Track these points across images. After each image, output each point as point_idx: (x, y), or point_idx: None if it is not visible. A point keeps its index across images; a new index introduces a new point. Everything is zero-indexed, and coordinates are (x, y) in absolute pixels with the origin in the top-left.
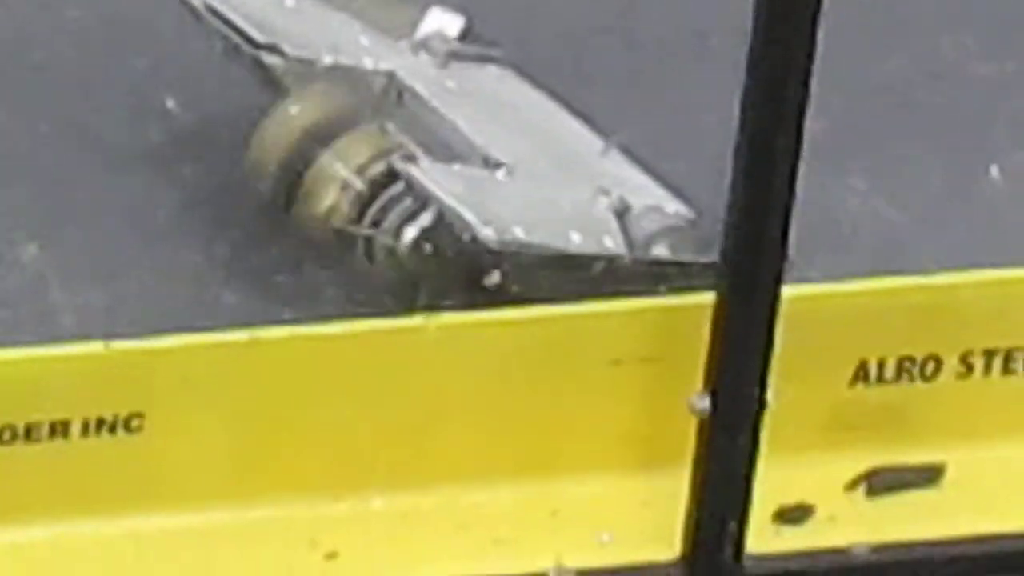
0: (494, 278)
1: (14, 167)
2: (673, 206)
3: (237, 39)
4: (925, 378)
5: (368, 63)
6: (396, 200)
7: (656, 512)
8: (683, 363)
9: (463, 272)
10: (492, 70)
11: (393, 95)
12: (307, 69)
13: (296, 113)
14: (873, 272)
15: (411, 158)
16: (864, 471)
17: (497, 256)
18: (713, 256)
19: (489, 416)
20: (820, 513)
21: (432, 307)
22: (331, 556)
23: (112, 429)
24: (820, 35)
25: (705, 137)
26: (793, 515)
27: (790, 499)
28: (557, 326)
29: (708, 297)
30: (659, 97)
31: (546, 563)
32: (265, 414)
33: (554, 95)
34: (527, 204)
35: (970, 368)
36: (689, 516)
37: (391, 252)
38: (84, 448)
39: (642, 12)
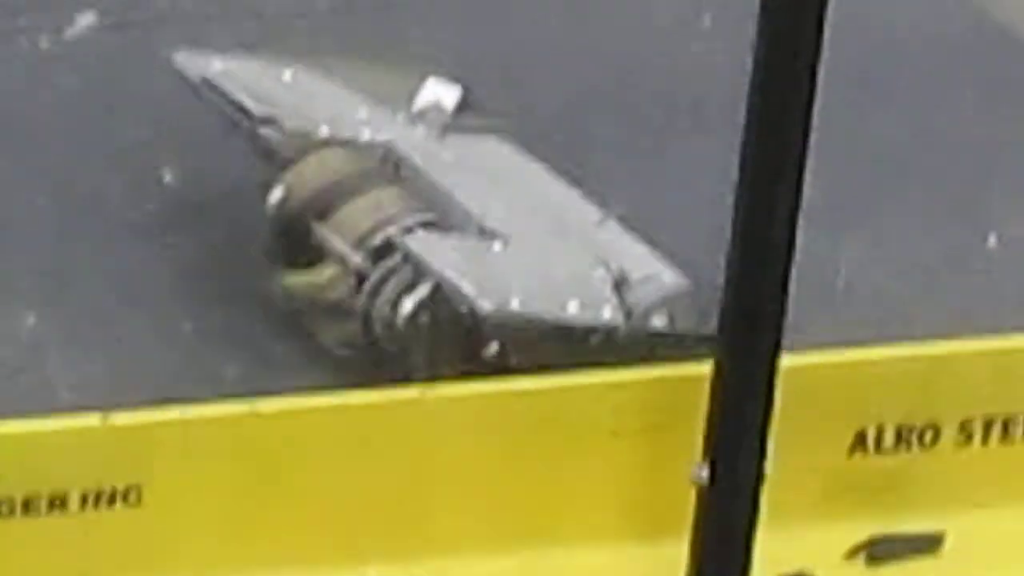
0: (492, 349)
1: (12, 238)
2: (670, 276)
3: (234, 112)
4: (924, 446)
5: (366, 135)
6: (394, 271)
7: None
8: (682, 432)
9: (461, 343)
10: (489, 141)
11: (391, 166)
12: (305, 141)
13: (293, 185)
14: (871, 339)
15: (408, 229)
16: (864, 539)
17: (495, 327)
18: (711, 326)
19: (488, 487)
20: None
21: (430, 378)
22: None
23: (111, 501)
24: (816, 103)
25: (702, 207)
26: None
27: (790, 568)
28: (555, 396)
29: (706, 367)
30: (656, 167)
31: None
32: (263, 485)
33: (551, 165)
34: (524, 275)
35: (969, 436)
36: None
37: (389, 323)
38: (83, 521)
39: (639, 83)
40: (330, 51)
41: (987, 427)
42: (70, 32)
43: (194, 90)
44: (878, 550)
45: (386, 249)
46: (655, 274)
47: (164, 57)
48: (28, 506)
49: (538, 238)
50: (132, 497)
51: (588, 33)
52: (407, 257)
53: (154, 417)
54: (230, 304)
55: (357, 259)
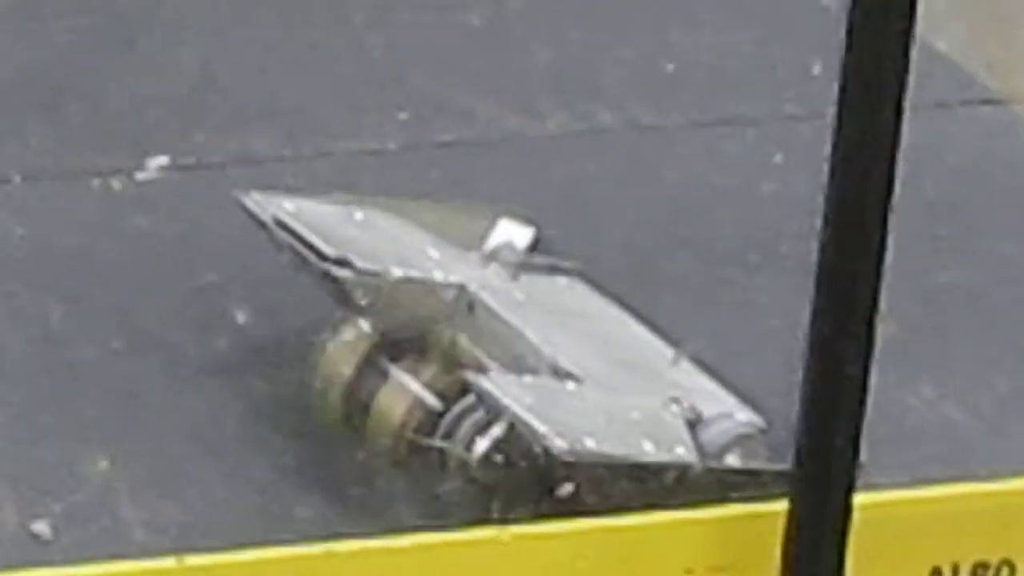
0: (566, 488)
1: (85, 381)
2: (744, 414)
3: (306, 252)
4: None
5: (438, 275)
6: (468, 412)
7: None
8: (756, 571)
9: (536, 483)
10: (561, 281)
11: (463, 307)
12: (377, 282)
13: (366, 326)
14: (944, 477)
15: (482, 370)
16: None
17: (569, 466)
18: (785, 464)
19: None
20: None
21: (505, 518)
22: None
23: None
24: (888, 241)
25: (775, 345)
26: None
27: None
28: (630, 536)
29: (780, 505)
30: (728, 305)
31: None
32: None
33: (623, 304)
34: (598, 414)
35: None
36: None
37: (464, 464)
38: None
39: (710, 221)
40: (401, 191)
41: None
42: (142, 174)
43: (265, 231)
44: None
45: (460, 390)
46: (728, 412)
47: (235, 198)
48: None
49: (611, 377)
50: None
51: (658, 170)
52: (481, 397)
53: (229, 560)
54: (303, 445)
55: (431, 400)
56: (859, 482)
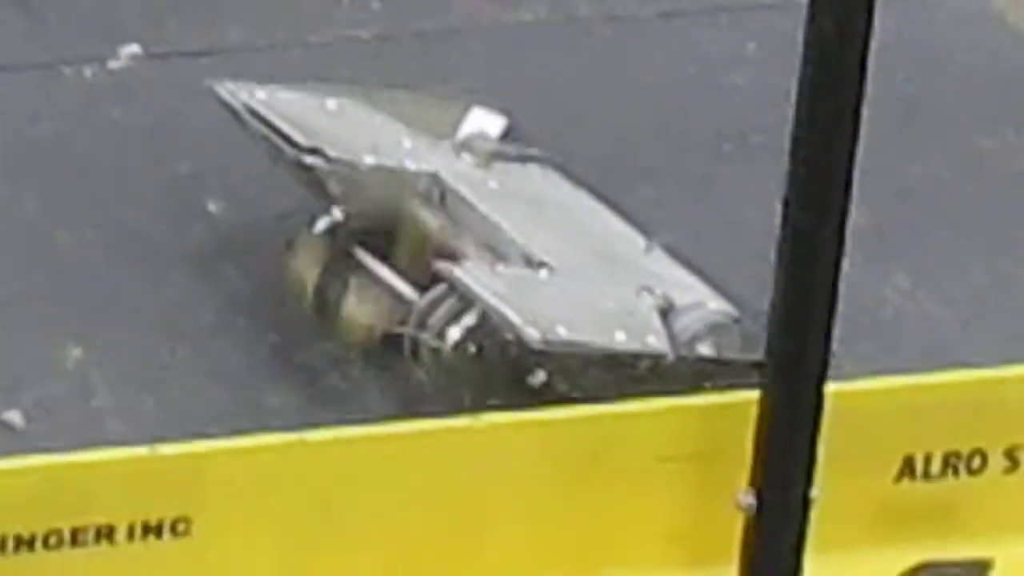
0: (539, 377)
1: (58, 270)
2: (717, 304)
3: (279, 142)
4: (971, 473)
5: (410, 164)
6: (440, 301)
7: None
8: (729, 460)
9: (508, 372)
10: (534, 170)
11: (436, 196)
12: (350, 171)
13: (339, 216)
14: (917, 367)
15: (454, 259)
16: (911, 566)
17: (541, 355)
18: (757, 353)
19: (536, 515)
20: None
21: (477, 407)
22: None
23: (159, 533)
24: (862, 133)
25: (748, 235)
26: None
27: None
28: (603, 424)
29: (753, 394)
30: (702, 196)
31: None
32: (312, 516)
33: (597, 194)
34: (571, 303)
35: (1016, 462)
36: None
37: (436, 353)
38: (130, 553)
39: (684, 112)
40: (375, 81)
41: None
42: (114, 63)
43: (238, 120)
44: None
45: (432, 278)
46: (701, 302)
47: (208, 87)
48: (76, 538)
49: (584, 266)
50: (181, 528)
51: (632, 60)
52: (453, 286)
53: (202, 448)
54: (276, 335)
55: (403, 289)
56: (831, 372)
